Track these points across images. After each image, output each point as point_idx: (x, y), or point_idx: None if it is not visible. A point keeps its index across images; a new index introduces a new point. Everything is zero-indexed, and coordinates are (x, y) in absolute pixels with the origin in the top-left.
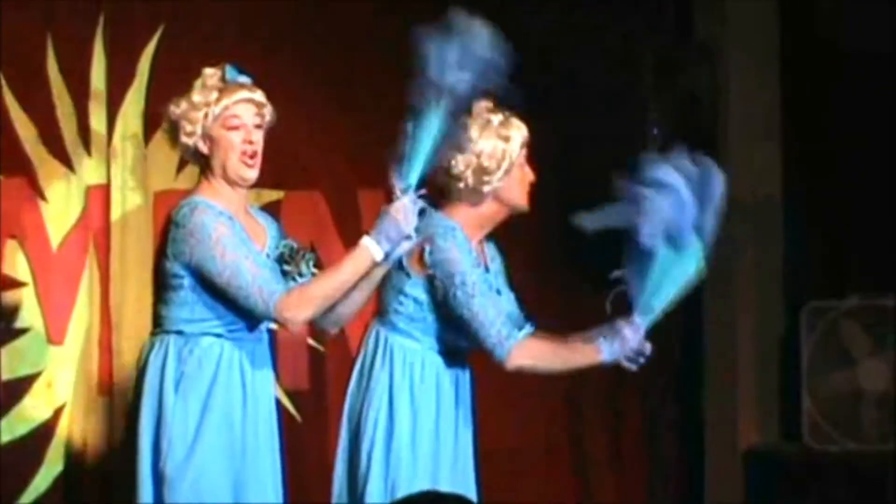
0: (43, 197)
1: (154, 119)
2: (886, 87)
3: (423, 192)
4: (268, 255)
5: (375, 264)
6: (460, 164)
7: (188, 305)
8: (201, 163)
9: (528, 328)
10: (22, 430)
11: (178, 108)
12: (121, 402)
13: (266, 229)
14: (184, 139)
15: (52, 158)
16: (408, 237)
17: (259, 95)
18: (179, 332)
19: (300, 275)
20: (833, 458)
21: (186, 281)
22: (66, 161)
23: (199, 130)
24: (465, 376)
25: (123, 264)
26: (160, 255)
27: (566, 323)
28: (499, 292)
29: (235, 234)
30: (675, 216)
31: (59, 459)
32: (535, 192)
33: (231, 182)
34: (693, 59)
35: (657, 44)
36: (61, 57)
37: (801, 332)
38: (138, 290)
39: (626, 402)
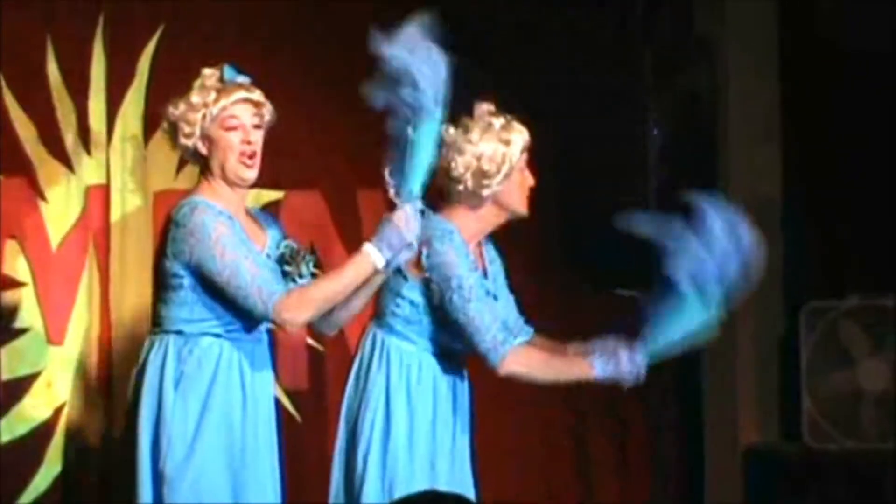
0: (43, 197)
1: (154, 119)
2: (886, 87)
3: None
4: (268, 256)
5: (376, 271)
6: (460, 166)
7: (188, 305)
8: (201, 163)
9: (525, 333)
10: (22, 429)
11: (176, 110)
12: (120, 401)
13: (266, 230)
14: (182, 140)
15: (51, 158)
16: (409, 245)
17: (257, 95)
18: (179, 332)
19: (300, 276)
20: (832, 458)
21: (186, 281)
22: (66, 161)
23: (197, 131)
24: (463, 378)
25: (123, 264)
26: (160, 254)
27: (565, 324)
28: (495, 297)
29: (235, 233)
30: (711, 266)
31: (58, 459)
32: (535, 192)
33: (230, 182)
34: (692, 58)
35: (657, 43)
36: (61, 57)
37: (801, 332)
38: (138, 290)
39: (627, 403)
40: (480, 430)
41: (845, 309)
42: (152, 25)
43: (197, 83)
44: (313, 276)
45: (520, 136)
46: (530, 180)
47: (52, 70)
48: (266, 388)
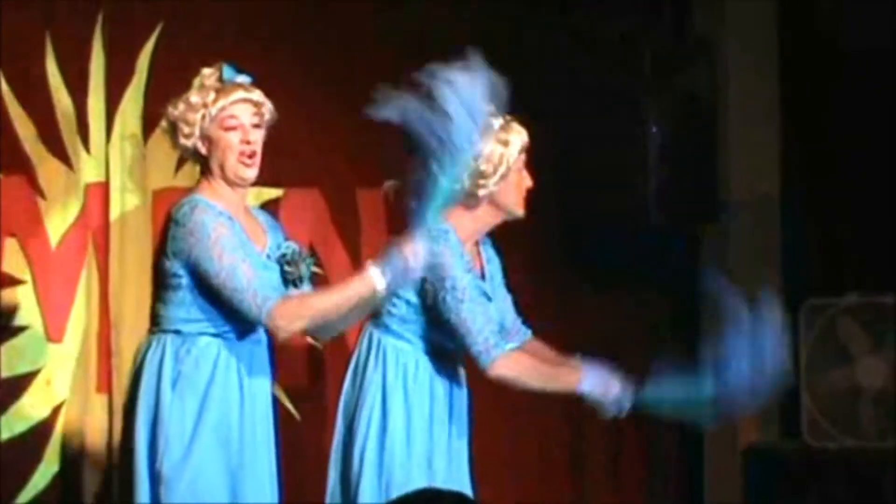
0: (42, 195)
1: (153, 117)
2: (886, 87)
3: None
4: (268, 256)
5: (375, 293)
6: None
7: (186, 305)
8: (201, 163)
9: (522, 335)
10: (21, 427)
11: (175, 110)
12: (120, 399)
13: (266, 230)
14: (182, 140)
15: (51, 157)
16: (413, 276)
17: (257, 95)
18: (177, 332)
19: (300, 277)
20: (832, 456)
21: (185, 280)
22: (65, 159)
23: (196, 131)
24: (460, 377)
25: (122, 262)
26: (159, 253)
27: (564, 324)
28: (489, 298)
29: (235, 234)
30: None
31: (57, 457)
32: (535, 192)
33: (230, 182)
34: (692, 58)
35: (657, 43)
36: (60, 55)
37: (800, 330)
38: (137, 288)
39: None
40: (477, 437)
41: (844, 306)
42: (151, 24)
43: (196, 83)
44: (313, 276)
45: (518, 136)
46: (528, 181)
47: (52, 68)
48: (264, 389)
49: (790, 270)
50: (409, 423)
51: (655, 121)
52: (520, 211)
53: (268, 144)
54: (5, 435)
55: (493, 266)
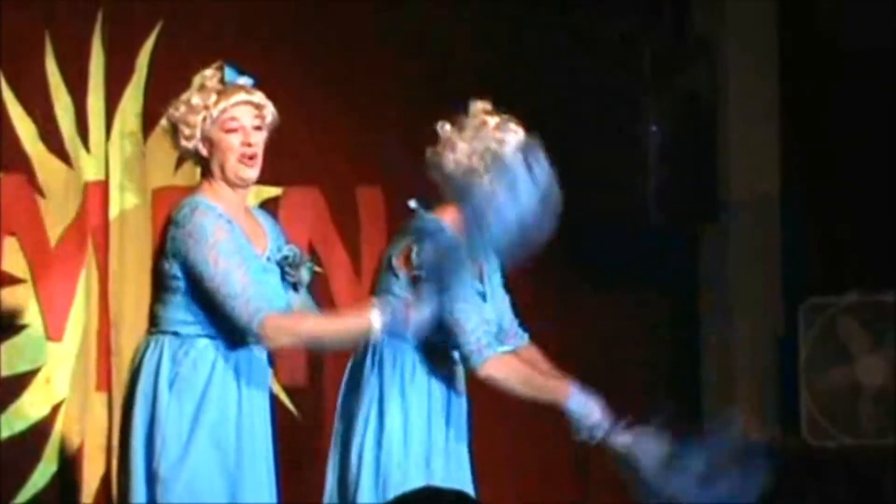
0: (41, 194)
1: (152, 116)
2: (885, 87)
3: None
4: (268, 259)
5: (370, 333)
6: (451, 163)
7: (184, 307)
8: (202, 164)
9: (519, 338)
10: (20, 426)
11: (176, 112)
12: (119, 398)
13: (267, 232)
14: (183, 142)
15: (50, 155)
16: (407, 330)
17: (258, 97)
18: (175, 334)
19: (301, 282)
20: (831, 454)
21: (183, 282)
22: (65, 158)
23: (198, 134)
24: (458, 376)
25: (122, 261)
26: (159, 254)
27: (563, 324)
28: (484, 298)
29: (234, 239)
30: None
31: (57, 456)
32: None
33: (231, 183)
34: (692, 58)
35: (656, 42)
36: (60, 54)
37: (800, 329)
38: (137, 287)
39: (625, 399)
40: (477, 437)
41: (844, 305)
42: (151, 23)
43: (196, 82)
44: (315, 273)
45: (514, 136)
46: None
47: (51, 67)
48: (262, 390)
49: (790, 269)
50: (406, 422)
51: (655, 120)
52: None
53: (268, 143)
54: (5, 433)
55: (491, 265)
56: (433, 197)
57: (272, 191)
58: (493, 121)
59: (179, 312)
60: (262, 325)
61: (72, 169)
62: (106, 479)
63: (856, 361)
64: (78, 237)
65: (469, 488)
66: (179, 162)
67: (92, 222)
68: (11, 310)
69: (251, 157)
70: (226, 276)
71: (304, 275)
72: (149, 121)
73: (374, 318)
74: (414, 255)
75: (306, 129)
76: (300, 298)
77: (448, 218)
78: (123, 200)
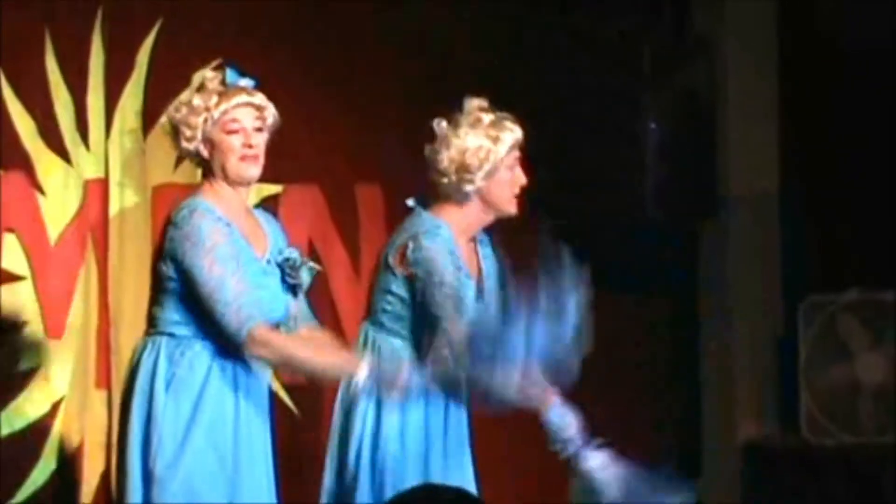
0: (41, 191)
1: (152, 113)
2: (885, 86)
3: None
4: (268, 261)
5: (351, 380)
6: (445, 159)
7: (181, 309)
8: (203, 165)
9: None
10: (20, 424)
11: (178, 113)
12: (119, 396)
13: (268, 233)
14: (184, 144)
15: (50, 152)
16: (390, 389)
17: (259, 99)
18: (171, 335)
19: (301, 284)
20: (830, 452)
21: (179, 285)
22: (65, 155)
23: (199, 135)
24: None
25: (122, 258)
26: (158, 256)
27: None
28: (479, 297)
29: (232, 242)
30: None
31: (56, 454)
32: (533, 190)
33: (232, 182)
34: (692, 57)
35: (656, 42)
36: (59, 51)
37: (800, 326)
38: (136, 284)
39: (625, 396)
40: (477, 437)
41: (844, 303)
42: (151, 21)
43: (197, 82)
44: (316, 272)
45: (510, 134)
46: (521, 179)
47: (51, 65)
48: (260, 391)
49: (790, 267)
50: (403, 421)
51: (655, 119)
52: (511, 209)
53: (268, 142)
54: (4, 431)
55: (489, 264)
56: (432, 195)
57: (272, 188)
58: (487, 118)
59: (176, 314)
60: (251, 334)
61: (71, 166)
62: (105, 477)
63: (855, 359)
64: (77, 235)
65: (471, 488)
66: (179, 159)
67: (91, 220)
68: (11, 307)
69: (252, 158)
70: (220, 283)
71: (305, 277)
72: (148, 118)
73: (361, 369)
74: (409, 253)
75: (306, 128)
76: (298, 304)
77: (444, 217)
78: (123, 198)
